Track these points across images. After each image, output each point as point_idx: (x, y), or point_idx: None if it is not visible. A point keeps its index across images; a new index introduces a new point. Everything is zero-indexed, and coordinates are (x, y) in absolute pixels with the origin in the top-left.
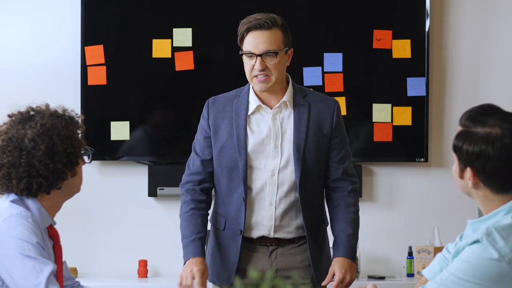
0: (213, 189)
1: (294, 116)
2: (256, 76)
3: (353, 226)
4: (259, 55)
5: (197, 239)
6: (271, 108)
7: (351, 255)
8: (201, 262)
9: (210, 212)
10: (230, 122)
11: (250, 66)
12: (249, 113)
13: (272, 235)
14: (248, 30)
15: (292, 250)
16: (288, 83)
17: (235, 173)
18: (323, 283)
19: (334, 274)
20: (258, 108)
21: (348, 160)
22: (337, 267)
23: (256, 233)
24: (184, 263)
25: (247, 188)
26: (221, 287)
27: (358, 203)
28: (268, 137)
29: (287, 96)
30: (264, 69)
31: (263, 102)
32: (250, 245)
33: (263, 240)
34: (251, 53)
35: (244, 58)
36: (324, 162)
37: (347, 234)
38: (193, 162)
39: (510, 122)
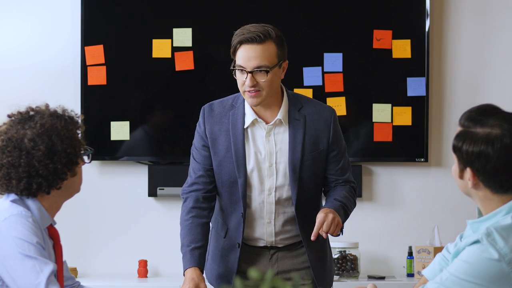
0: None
1: (289, 134)
2: (247, 91)
3: (345, 199)
4: (250, 72)
5: (195, 249)
6: (266, 123)
7: (335, 208)
8: (197, 275)
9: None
10: (227, 135)
11: (241, 81)
12: (245, 126)
13: (273, 245)
14: (240, 43)
15: (293, 253)
16: (283, 94)
17: (235, 187)
18: (312, 237)
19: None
20: (253, 122)
21: (348, 171)
22: (318, 213)
23: (258, 245)
24: (183, 273)
25: (246, 205)
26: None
27: (355, 195)
28: (263, 154)
29: (282, 113)
30: (255, 85)
31: (259, 115)
32: (251, 248)
33: (265, 246)
34: (242, 68)
35: (236, 72)
36: (321, 176)
37: (335, 198)
38: (194, 171)
39: (510, 122)
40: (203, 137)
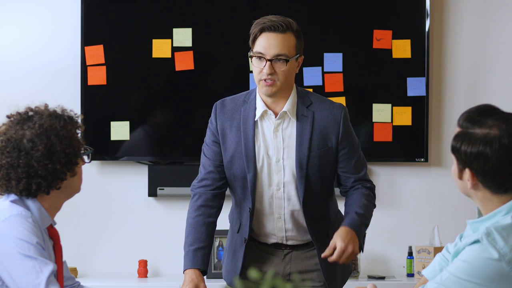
0: (228, 191)
1: (297, 130)
2: (263, 79)
3: (365, 209)
4: (269, 60)
5: (198, 250)
6: (276, 115)
7: (356, 228)
8: (197, 275)
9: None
10: (238, 130)
11: (259, 69)
12: (255, 119)
13: (285, 242)
14: (262, 30)
15: (306, 254)
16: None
17: (246, 182)
18: (323, 255)
19: (335, 247)
20: (263, 115)
21: (362, 169)
22: (339, 237)
23: (270, 241)
24: (183, 271)
25: (255, 200)
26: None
27: (374, 198)
28: (271, 150)
29: (288, 105)
30: (272, 73)
31: (269, 108)
32: (265, 247)
33: (278, 245)
34: (262, 54)
35: (254, 60)
36: (330, 174)
37: (356, 211)
38: (205, 166)
39: (508, 122)
40: (215, 133)
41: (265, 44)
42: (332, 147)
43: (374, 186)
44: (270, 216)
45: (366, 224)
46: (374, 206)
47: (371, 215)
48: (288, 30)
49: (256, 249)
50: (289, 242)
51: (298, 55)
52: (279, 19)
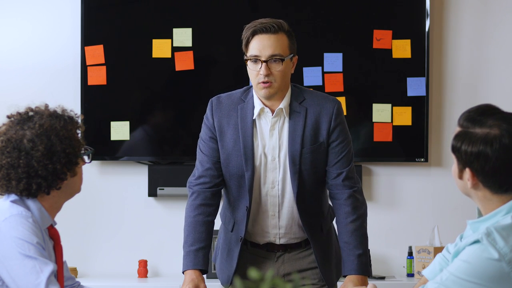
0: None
1: (289, 127)
2: (260, 82)
3: (355, 236)
4: (265, 61)
5: (199, 250)
6: (273, 112)
7: (362, 269)
8: (197, 275)
9: (220, 209)
10: (235, 128)
11: (255, 72)
12: (253, 117)
13: (278, 242)
14: (254, 33)
15: (299, 254)
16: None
17: (243, 180)
18: None
19: None
20: (260, 113)
21: (348, 165)
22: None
23: (262, 240)
24: (183, 272)
25: (252, 199)
26: (222, 286)
27: (358, 208)
28: (267, 148)
29: (284, 103)
30: (269, 75)
31: (266, 106)
32: (257, 250)
33: (270, 246)
34: (257, 57)
35: (249, 63)
36: (323, 170)
37: (350, 248)
38: (202, 163)
39: (508, 122)
40: (211, 129)
41: (259, 46)
42: (323, 142)
43: (360, 184)
44: (265, 214)
45: (364, 249)
46: (361, 214)
47: (363, 233)
48: (280, 30)
49: (248, 252)
50: (282, 241)
51: (292, 54)
52: (269, 21)
